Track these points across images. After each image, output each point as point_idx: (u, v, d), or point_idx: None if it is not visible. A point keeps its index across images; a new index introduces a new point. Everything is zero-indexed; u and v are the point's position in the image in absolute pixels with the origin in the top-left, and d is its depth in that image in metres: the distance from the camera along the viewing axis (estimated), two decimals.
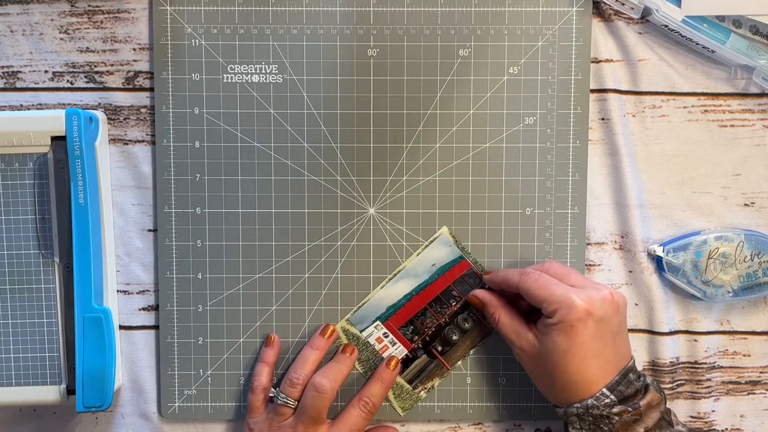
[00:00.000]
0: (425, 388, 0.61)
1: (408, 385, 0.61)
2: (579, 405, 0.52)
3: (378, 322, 0.61)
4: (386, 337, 0.60)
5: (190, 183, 0.60)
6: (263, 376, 0.59)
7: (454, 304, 0.60)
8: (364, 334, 0.61)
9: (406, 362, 0.61)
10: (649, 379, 0.54)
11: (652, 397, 0.52)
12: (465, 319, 0.60)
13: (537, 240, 0.60)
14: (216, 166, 0.60)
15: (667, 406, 0.55)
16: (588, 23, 0.59)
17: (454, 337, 0.60)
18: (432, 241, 0.60)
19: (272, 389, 0.58)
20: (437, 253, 0.60)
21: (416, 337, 0.61)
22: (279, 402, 0.57)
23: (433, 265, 0.60)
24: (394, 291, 0.60)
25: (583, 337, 0.51)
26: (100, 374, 0.56)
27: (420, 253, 0.60)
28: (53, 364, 0.58)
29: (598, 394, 0.52)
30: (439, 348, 0.61)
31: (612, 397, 0.51)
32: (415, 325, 0.61)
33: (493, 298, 0.58)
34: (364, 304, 0.60)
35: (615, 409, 0.51)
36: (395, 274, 0.60)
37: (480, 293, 0.59)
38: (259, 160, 0.60)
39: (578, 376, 0.52)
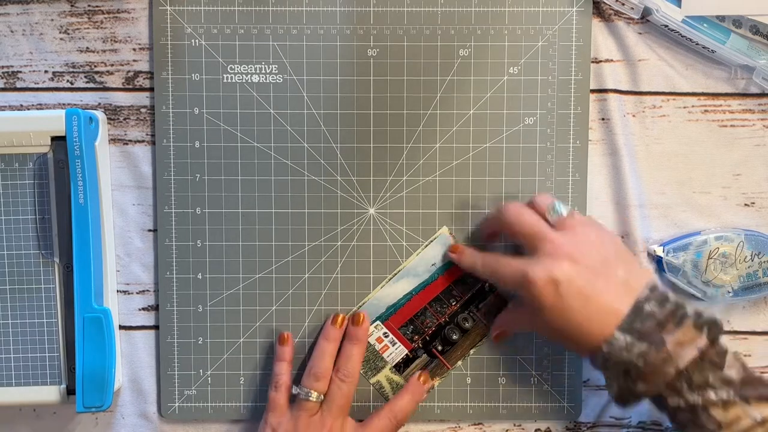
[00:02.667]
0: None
1: None
2: (599, 355, 0.49)
3: (378, 322, 0.60)
4: (386, 336, 0.60)
5: (190, 183, 0.60)
6: (285, 374, 0.59)
7: (454, 303, 0.60)
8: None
9: (406, 362, 0.61)
10: (690, 308, 0.48)
11: (684, 333, 0.47)
12: (465, 318, 0.60)
13: None
14: (216, 166, 0.60)
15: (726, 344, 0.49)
16: (588, 23, 0.59)
17: (454, 337, 0.60)
18: (432, 241, 0.60)
19: (294, 386, 0.58)
20: (437, 252, 0.60)
21: (416, 337, 0.61)
22: (303, 397, 0.57)
23: (433, 264, 0.60)
24: (394, 290, 0.60)
25: (556, 303, 0.50)
26: (100, 374, 0.56)
27: (420, 252, 0.60)
28: (53, 364, 0.58)
29: (611, 339, 0.48)
30: (440, 347, 0.61)
31: (627, 338, 0.47)
32: (415, 325, 0.61)
33: (498, 321, 0.59)
34: (363, 303, 0.60)
35: (636, 350, 0.47)
36: (395, 274, 0.60)
37: (499, 332, 0.60)
38: (259, 160, 0.60)
39: (583, 328, 0.49)
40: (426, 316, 0.61)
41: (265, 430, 0.58)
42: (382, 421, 0.57)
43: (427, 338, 0.61)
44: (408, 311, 0.60)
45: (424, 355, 0.61)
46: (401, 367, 0.61)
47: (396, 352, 0.61)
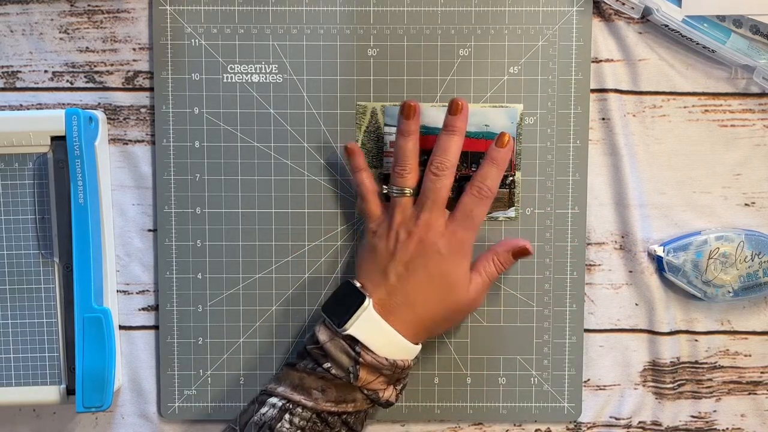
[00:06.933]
0: None
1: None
2: None
3: None
4: None
5: (190, 183, 0.60)
6: (366, 180, 0.57)
7: (474, 169, 0.59)
8: (385, 129, 0.59)
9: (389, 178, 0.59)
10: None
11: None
12: (464, 188, 0.57)
13: (537, 240, 0.60)
14: (216, 166, 0.60)
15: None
16: (588, 23, 0.59)
17: (450, 195, 0.57)
18: (501, 108, 0.59)
19: (384, 186, 0.57)
20: (498, 119, 0.59)
21: (420, 168, 0.58)
22: (395, 195, 0.56)
23: (486, 125, 0.59)
24: (439, 116, 0.58)
25: None
26: (100, 374, 0.56)
27: (489, 106, 0.59)
28: (53, 364, 0.58)
29: None
30: None
31: None
32: (426, 157, 0.57)
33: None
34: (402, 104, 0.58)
35: None
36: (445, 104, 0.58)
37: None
38: (259, 160, 0.60)
39: None
40: None
41: (367, 237, 0.57)
42: (467, 199, 0.55)
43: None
44: (434, 142, 0.57)
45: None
46: (386, 178, 0.59)
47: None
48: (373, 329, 0.53)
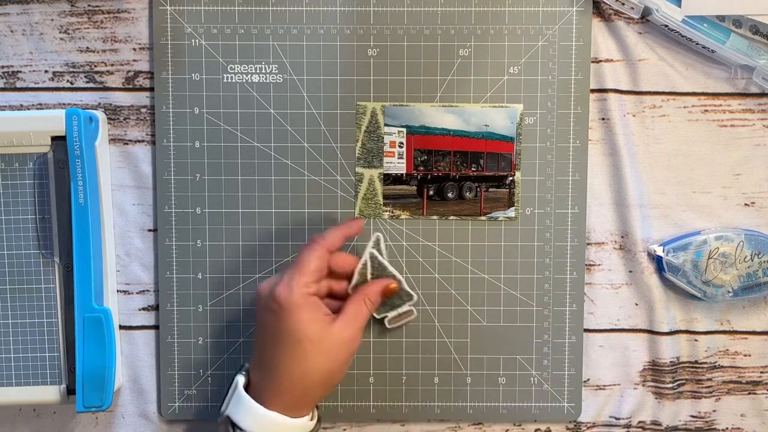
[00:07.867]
0: (391, 213, 0.60)
1: (382, 199, 0.60)
2: None
3: (404, 129, 0.59)
4: (400, 147, 0.59)
5: (190, 183, 0.60)
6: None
7: (473, 169, 0.59)
8: (386, 129, 0.60)
9: (395, 180, 0.60)
10: None
11: None
12: (470, 188, 0.59)
13: (537, 240, 0.60)
14: (216, 166, 0.60)
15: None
16: (588, 23, 0.59)
17: (450, 195, 0.59)
18: (503, 108, 0.59)
19: None
20: (498, 119, 0.59)
21: (421, 168, 0.59)
22: None
23: (486, 125, 0.59)
24: (440, 116, 0.59)
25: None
26: (100, 374, 0.56)
27: (488, 107, 0.59)
28: (53, 364, 0.58)
29: None
30: (431, 193, 0.60)
31: None
32: (429, 158, 0.59)
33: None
34: (406, 105, 0.59)
35: None
36: (451, 105, 0.59)
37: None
38: (259, 160, 0.60)
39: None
40: (444, 159, 0.60)
41: None
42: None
43: (429, 177, 0.60)
44: (435, 142, 0.59)
45: (414, 188, 0.60)
46: (389, 179, 0.60)
47: (396, 165, 0.59)
48: (244, 410, 0.50)
